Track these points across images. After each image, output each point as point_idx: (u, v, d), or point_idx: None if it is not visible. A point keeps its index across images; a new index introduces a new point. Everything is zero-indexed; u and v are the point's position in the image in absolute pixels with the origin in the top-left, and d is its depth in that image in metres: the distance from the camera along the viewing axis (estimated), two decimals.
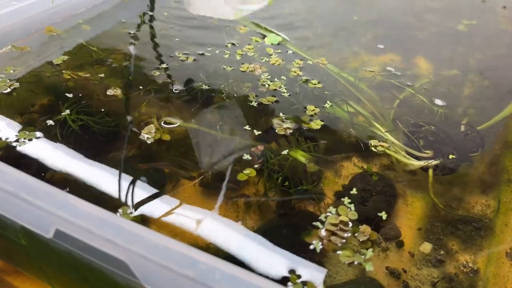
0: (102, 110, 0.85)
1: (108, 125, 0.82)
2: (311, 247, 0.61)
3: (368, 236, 0.63)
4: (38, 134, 0.77)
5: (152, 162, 0.75)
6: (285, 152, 0.77)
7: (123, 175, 0.71)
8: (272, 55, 1.07)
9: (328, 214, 0.66)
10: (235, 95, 0.92)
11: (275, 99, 0.90)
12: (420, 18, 1.33)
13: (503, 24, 1.32)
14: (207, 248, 0.61)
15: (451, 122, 0.88)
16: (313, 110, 0.87)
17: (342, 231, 0.63)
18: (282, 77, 0.97)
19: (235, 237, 0.63)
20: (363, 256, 0.61)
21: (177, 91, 0.92)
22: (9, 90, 0.89)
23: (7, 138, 0.76)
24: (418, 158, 0.79)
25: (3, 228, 0.51)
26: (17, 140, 0.76)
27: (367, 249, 0.62)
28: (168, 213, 0.65)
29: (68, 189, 0.67)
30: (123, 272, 0.44)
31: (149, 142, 0.78)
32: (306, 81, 0.97)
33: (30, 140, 0.76)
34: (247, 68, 1.01)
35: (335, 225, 0.64)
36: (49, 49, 1.04)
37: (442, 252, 0.63)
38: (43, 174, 0.70)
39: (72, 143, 0.77)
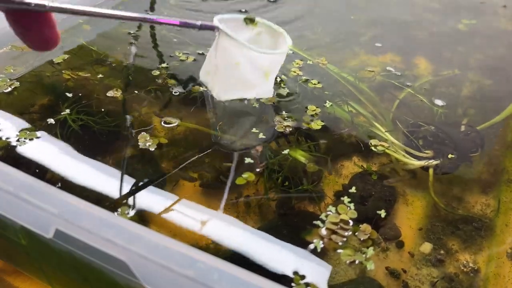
0: (102, 110, 0.85)
1: (108, 125, 0.82)
2: (312, 246, 0.61)
3: (369, 235, 0.63)
4: (39, 134, 0.77)
5: (151, 162, 0.75)
6: (285, 152, 0.77)
7: (123, 174, 0.72)
8: None
9: (328, 213, 0.66)
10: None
11: (276, 100, 0.90)
12: (420, 18, 1.33)
13: (503, 24, 1.32)
14: (207, 248, 0.61)
15: (451, 122, 0.88)
16: (314, 110, 0.87)
17: (342, 230, 0.64)
18: (282, 76, 0.97)
19: (235, 237, 0.63)
20: (364, 255, 0.61)
21: (177, 91, 0.92)
22: (9, 89, 0.89)
23: (7, 138, 0.76)
24: (418, 158, 0.79)
25: (3, 228, 0.51)
26: (17, 140, 0.76)
27: (367, 247, 0.62)
28: (168, 213, 0.65)
29: (59, 185, 0.67)
30: (123, 272, 0.44)
31: (145, 148, 0.78)
32: (306, 81, 0.97)
33: (30, 140, 0.76)
34: None
35: (335, 224, 0.64)
36: None
37: (442, 252, 0.63)
38: (43, 174, 0.70)
39: (72, 143, 0.77)
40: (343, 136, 0.83)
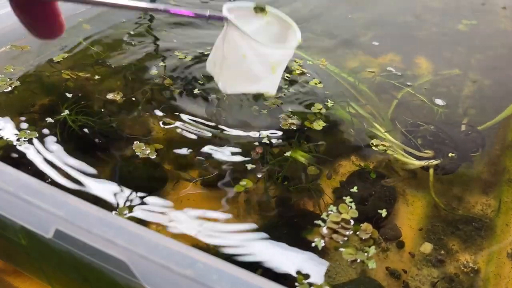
0: (102, 110, 0.85)
1: (108, 125, 0.82)
2: (313, 245, 0.61)
3: (370, 234, 0.63)
4: (38, 133, 0.77)
5: (150, 164, 0.75)
6: (287, 154, 0.77)
7: (123, 175, 0.71)
8: None
9: (329, 212, 0.66)
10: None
11: (280, 102, 0.90)
12: (420, 18, 1.33)
13: (503, 24, 1.32)
14: (207, 248, 0.60)
15: (451, 122, 0.88)
16: (320, 109, 0.87)
17: (344, 229, 0.64)
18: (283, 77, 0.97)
19: (236, 237, 0.63)
20: (366, 254, 0.61)
21: (176, 91, 0.92)
22: (9, 89, 0.89)
23: (7, 138, 0.76)
24: (418, 157, 0.79)
25: (3, 228, 0.51)
26: (17, 140, 0.76)
27: (369, 246, 0.62)
28: (168, 213, 0.65)
29: (49, 180, 0.67)
30: (123, 272, 0.44)
31: (144, 156, 0.78)
32: (306, 81, 0.97)
33: (30, 140, 0.76)
34: None
35: (336, 223, 0.64)
36: (49, 48, 1.04)
37: (442, 252, 0.63)
38: (43, 174, 0.70)
39: (72, 143, 0.77)
40: (343, 136, 0.83)
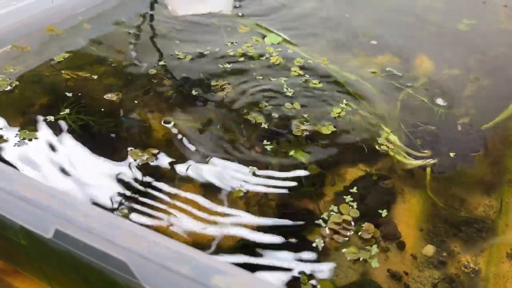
0: (102, 110, 0.85)
1: (108, 126, 0.81)
2: (314, 245, 0.61)
3: (372, 234, 0.63)
4: (38, 133, 0.77)
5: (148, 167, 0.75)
6: (290, 153, 0.77)
7: (123, 174, 0.71)
8: (272, 54, 1.07)
9: (331, 213, 0.66)
10: (235, 94, 0.92)
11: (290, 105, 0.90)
12: (420, 18, 1.33)
13: (504, 23, 1.32)
14: (207, 248, 0.60)
15: (452, 122, 0.88)
16: (339, 113, 0.87)
17: (345, 229, 0.64)
18: (283, 77, 0.97)
19: (236, 237, 0.63)
20: (368, 253, 0.61)
21: (176, 90, 0.92)
22: (9, 88, 0.88)
23: (7, 138, 0.76)
24: (418, 158, 0.78)
25: (3, 228, 0.51)
26: (17, 140, 0.75)
27: (371, 246, 0.62)
28: (168, 213, 0.65)
29: (49, 180, 0.67)
30: (123, 272, 0.44)
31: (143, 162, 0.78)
32: (307, 81, 0.97)
33: (30, 140, 0.76)
34: (247, 67, 1.01)
35: (338, 223, 0.64)
36: (49, 48, 1.04)
37: (444, 253, 0.63)
38: (43, 174, 0.70)
39: (72, 142, 0.77)
40: (344, 137, 0.83)
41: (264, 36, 1.15)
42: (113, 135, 0.80)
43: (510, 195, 0.73)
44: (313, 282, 0.57)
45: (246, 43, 1.11)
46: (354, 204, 0.67)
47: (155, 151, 0.75)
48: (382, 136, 0.82)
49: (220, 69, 1.00)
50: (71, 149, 0.75)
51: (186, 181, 0.72)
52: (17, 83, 0.90)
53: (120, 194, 0.67)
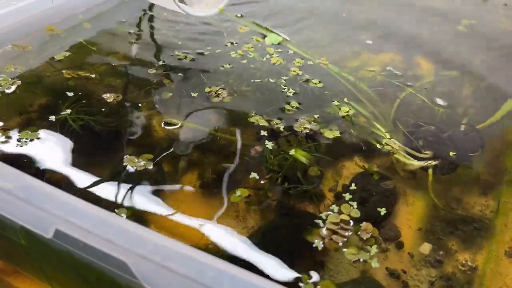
0: (103, 109, 0.85)
1: (108, 126, 0.82)
2: (313, 245, 0.61)
3: (371, 233, 0.63)
4: (39, 133, 0.77)
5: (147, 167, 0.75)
6: (291, 153, 0.77)
7: (122, 174, 0.72)
8: (273, 54, 1.07)
9: (329, 213, 0.66)
10: (235, 94, 0.92)
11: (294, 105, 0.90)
12: (420, 17, 1.33)
13: (504, 24, 1.32)
14: (207, 248, 0.61)
15: (451, 122, 0.88)
16: (347, 112, 0.87)
17: (343, 229, 0.64)
18: (283, 77, 0.98)
19: (236, 237, 0.63)
20: (368, 253, 0.61)
21: (176, 90, 0.92)
22: (10, 88, 0.89)
23: (8, 138, 0.76)
24: (418, 158, 0.78)
25: (3, 228, 0.51)
26: (18, 140, 0.76)
27: (371, 246, 0.62)
28: (168, 214, 0.65)
29: (49, 180, 0.67)
30: (123, 272, 0.44)
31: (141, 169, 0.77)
32: (307, 80, 0.97)
33: (31, 140, 0.76)
34: (247, 66, 1.01)
35: (336, 224, 0.64)
36: (49, 48, 1.04)
37: (441, 252, 0.63)
38: (43, 174, 0.70)
39: (73, 143, 0.77)
40: (344, 137, 0.83)
41: (264, 36, 1.15)
42: (113, 136, 0.80)
43: (509, 195, 0.73)
44: (313, 281, 0.57)
45: (246, 43, 1.11)
46: (355, 204, 0.67)
47: (151, 156, 0.75)
48: (383, 136, 0.83)
49: (221, 69, 1.00)
50: (72, 148, 0.75)
51: (186, 181, 0.72)
52: (19, 82, 0.90)
53: (120, 194, 0.68)
